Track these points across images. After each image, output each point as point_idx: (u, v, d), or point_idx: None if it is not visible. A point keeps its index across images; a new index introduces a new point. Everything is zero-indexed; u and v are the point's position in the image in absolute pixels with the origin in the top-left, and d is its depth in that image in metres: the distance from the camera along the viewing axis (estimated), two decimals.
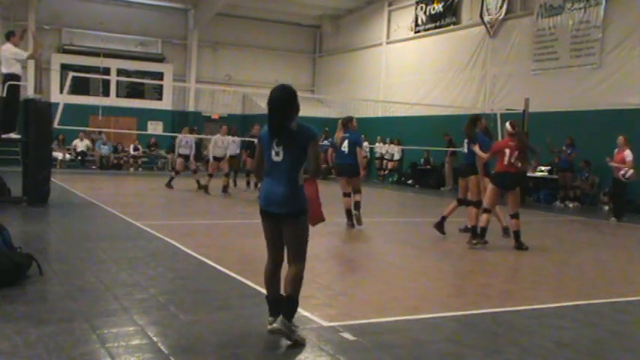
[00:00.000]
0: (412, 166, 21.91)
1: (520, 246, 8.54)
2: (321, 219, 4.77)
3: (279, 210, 4.27)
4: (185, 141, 16.18)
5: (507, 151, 8.48)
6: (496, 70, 19.42)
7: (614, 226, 12.53)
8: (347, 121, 10.33)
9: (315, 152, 4.30)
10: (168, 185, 15.81)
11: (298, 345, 4.19)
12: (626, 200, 13.69)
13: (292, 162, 4.28)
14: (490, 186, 8.62)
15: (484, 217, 8.54)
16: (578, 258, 8.46)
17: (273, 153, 4.29)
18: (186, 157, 16.16)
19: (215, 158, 15.50)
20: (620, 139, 13.17)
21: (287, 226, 4.30)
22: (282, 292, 4.46)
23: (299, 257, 4.34)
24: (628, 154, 12.85)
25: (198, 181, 15.64)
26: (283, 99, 4.24)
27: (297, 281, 4.30)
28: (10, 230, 6.15)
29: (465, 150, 9.29)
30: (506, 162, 8.46)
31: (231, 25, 26.76)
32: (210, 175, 15.27)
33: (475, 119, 9.34)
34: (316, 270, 6.39)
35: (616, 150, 13.20)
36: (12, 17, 22.55)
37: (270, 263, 4.46)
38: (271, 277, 4.45)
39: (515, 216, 8.59)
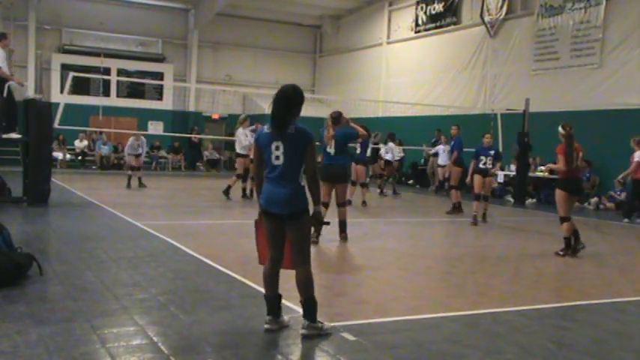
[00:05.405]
0: (412, 166, 21.90)
1: None
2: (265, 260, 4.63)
3: (281, 210, 4.33)
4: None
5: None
6: (496, 70, 19.40)
7: (613, 226, 12.51)
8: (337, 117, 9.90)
9: (311, 155, 4.38)
10: (141, 184, 15.86)
11: (328, 336, 4.39)
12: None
13: (292, 163, 4.34)
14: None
15: None
16: (578, 258, 8.45)
17: (272, 157, 4.35)
18: (137, 155, 16.10)
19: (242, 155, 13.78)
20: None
21: (290, 226, 4.36)
22: (280, 291, 4.52)
23: (303, 258, 4.39)
24: (637, 155, 12.78)
25: (130, 178, 15.79)
26: (292, 96, 4.32)
27: (308, 284, 4.39)
28: (10, 230, 6.16)
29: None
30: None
31: (231, 25, 26.75)
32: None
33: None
34: (316, 270, 6.37)
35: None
36: (12, 17, 22.56)
37: (269, 262, 4.51)
38: (270, 277, 4.49)
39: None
